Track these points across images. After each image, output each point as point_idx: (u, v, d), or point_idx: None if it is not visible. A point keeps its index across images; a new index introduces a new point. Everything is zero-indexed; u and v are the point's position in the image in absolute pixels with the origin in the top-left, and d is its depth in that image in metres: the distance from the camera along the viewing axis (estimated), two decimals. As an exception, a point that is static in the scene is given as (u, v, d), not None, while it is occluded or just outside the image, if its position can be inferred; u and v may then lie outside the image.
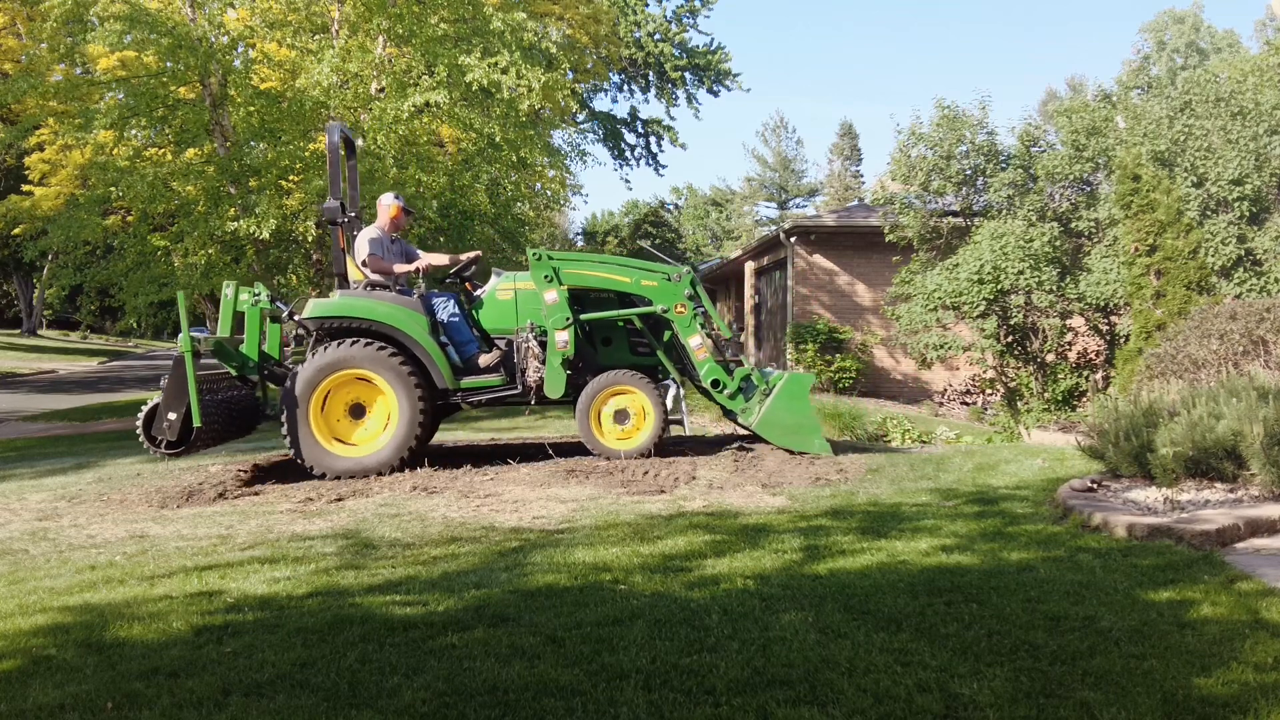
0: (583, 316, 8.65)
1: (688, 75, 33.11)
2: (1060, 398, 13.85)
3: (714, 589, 4.49)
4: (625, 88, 34.06)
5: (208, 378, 8.41)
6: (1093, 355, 14.53)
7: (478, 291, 8.90)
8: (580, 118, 32.00)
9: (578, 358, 8.64)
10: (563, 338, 8.47)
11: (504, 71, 15.60)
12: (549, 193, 26.66)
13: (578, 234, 52.86)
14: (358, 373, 8.13)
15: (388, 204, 8.88)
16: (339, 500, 7.33)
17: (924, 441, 11.39)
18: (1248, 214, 12.37)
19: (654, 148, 34.37)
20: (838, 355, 19.31)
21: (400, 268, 8.66)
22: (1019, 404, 14.35)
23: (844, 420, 12.17)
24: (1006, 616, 4.00)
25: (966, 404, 17.37)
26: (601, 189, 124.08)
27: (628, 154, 34.00)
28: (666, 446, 9.80)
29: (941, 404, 17.56)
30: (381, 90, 16.59)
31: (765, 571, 4.81)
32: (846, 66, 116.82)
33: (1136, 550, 5.09)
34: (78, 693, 3.36)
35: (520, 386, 8.53)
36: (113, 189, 16.07)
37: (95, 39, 15.90)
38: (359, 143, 16.66)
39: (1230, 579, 4.47)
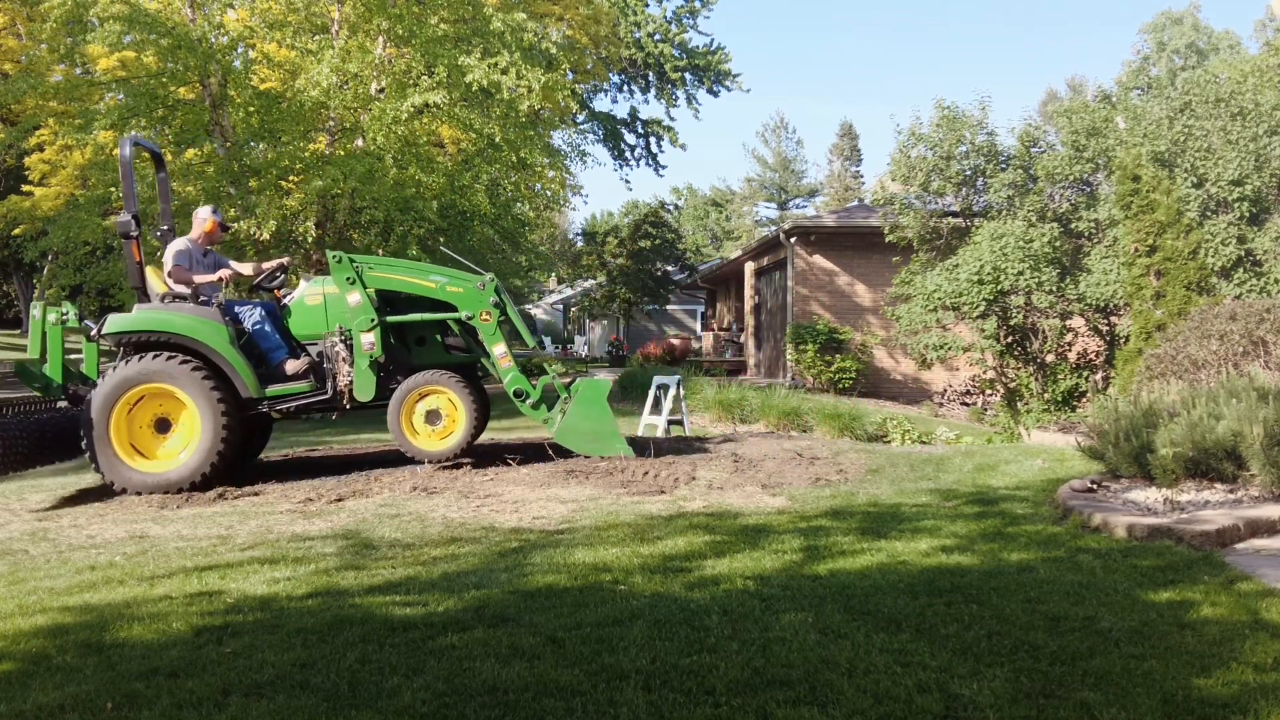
0: (389, 319, 8.50)
1: (688, 75, 33.11)
2: (1060, 398, 13.84)
3: (714, 589, 4.49)
4: (625, 88, 34.06)
5: (21, 399, 8.22)
6: (1093, 356, 14.53)
7: (286, 298, 8.77)
8: (580, 118, 31.99)
9: (389, 359, 8.51)
10: (368, 340, 8.33)
11: (504, 72, 15.60)
12: (549, 193, 26.65)
13: (578, 234, 52.87)
14: (158, 387, 7.94)
15: (203, 217, 8.77)
16: (339, 501, 7.33)
17: (924, 442, 11.39)
18: (1248, 214, 12.37)
19: (654, 148, 34.38)
20: (838, 355, 19.30)
21: (201, 278, 8.46)
22: (1019, 404, 14.34)
23: (844, 420, 12.16)
24: (1006, 617, 4.00)
25: (966, 404, 17.37)
26: (601, 189, 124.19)
27: (627, 154, 34.01)
28: (662, 447, 9.81)
29: (941, 404, 17.55)
30: (381, 90, 16.59)
31: (765, 572, 4.81)
32: (846, 66, 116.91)
33: (1136, 551, 5.09)
34: (78, 693, 3.36)
35: (330, 391, 8.39)
36: (113, 189, 16.05)
37: (95, 39, 15.88)
38: (358, 143, 16.69)
39: (1230, 579, 4.48)
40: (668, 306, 39.44)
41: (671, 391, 11.88)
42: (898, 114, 76.67)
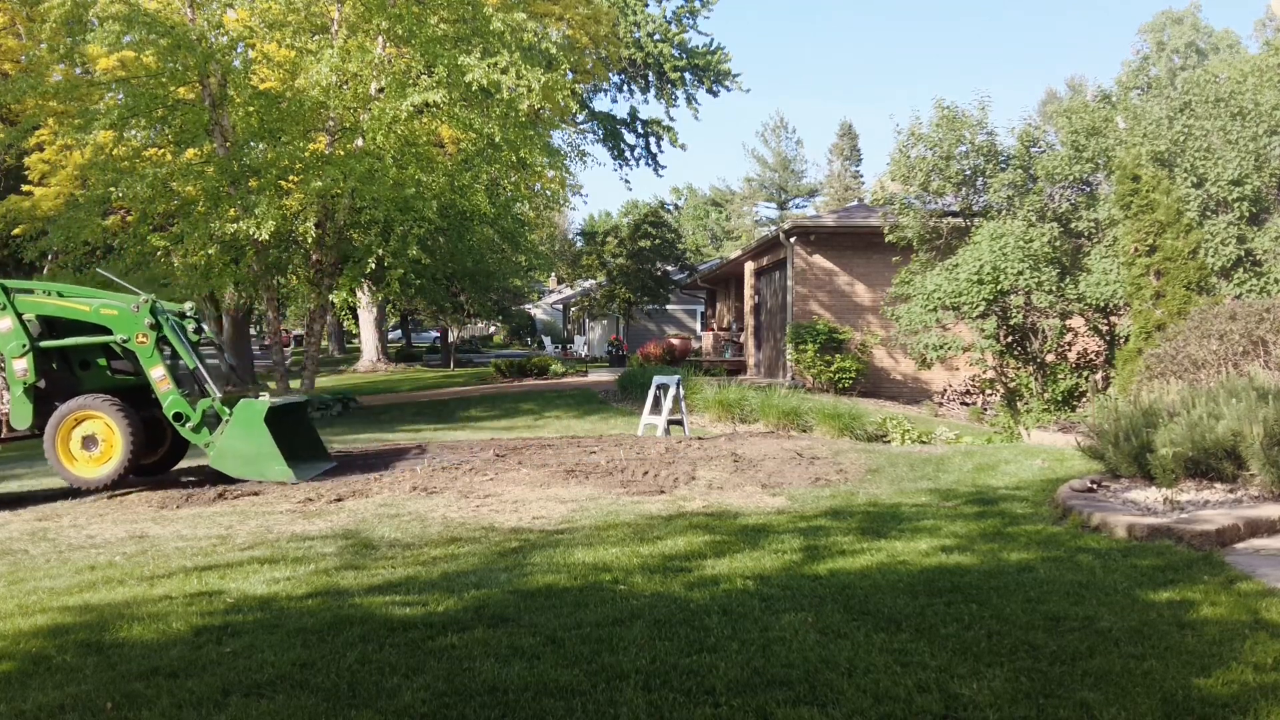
0: (45, 344, 8.30)
1: (687, 75, 33.08)
2: (1060, 398, 13.83)
3: (714, 589, 4.49)
4: (625, 88, 34.02)
5: None
6: (1093, 355, 14.52)
7: None
8: (580, 118, 31.97)
9: (50, 385, 8.32)
10: (20, 365, 8.12)
11: (504, 71, 15.58)
12: (549, 193, 26.63)
13: (577, 235, 52.88)
14: None
15: None
16: (339, 501, 7.33)
17: (924, 442, 11.38)
18: (1247, 214, 12.36)
19: (653, 148, 34.35)
20: (837, 355, 19.29)
21: None
22: (1019, 404, 14.33)
23: (844, 420, 12.16)
24: (1006, 617, 4.00)
25: (966, 404, 17.35)
26: (601, 189, 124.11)
27: (627, 154, 33.98)
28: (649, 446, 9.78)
29: (941, 404, 17.54)
30: (381, 90, 16.57)
31: (765, 572, 4.81)
32: (846, 66, 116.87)
33: (1136, 550, 5.09)
34: (78, 693, 3.36)
35: None
36: (113, 189, 16.04)
37: (95, 39, 15.86)
38: (358, 143, 16.68)
39: (1230, 579, 4.48)
40: (668, 306, 39.41)
41: (671, 391, 11.88)
42: (898, 114, 76.65)
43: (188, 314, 8.96)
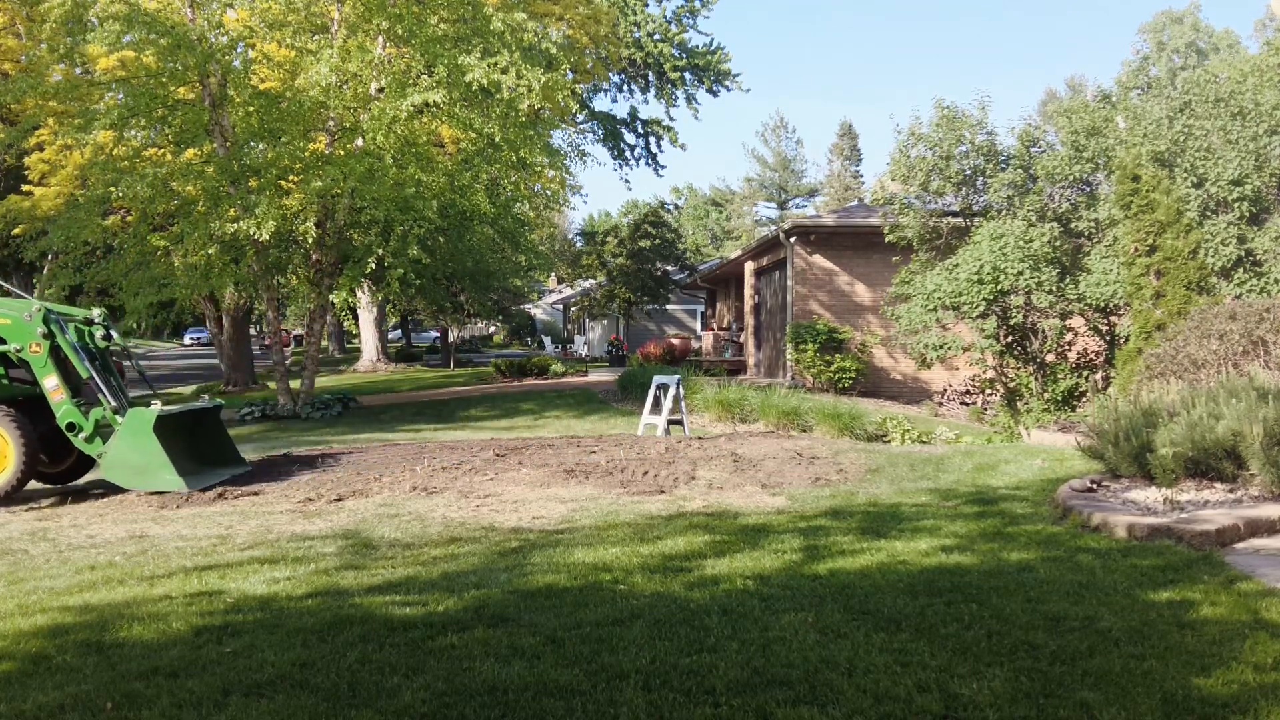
0: None
1: (687, 75, 33.08)
2: (1060, 398, 13.83)
3: (714, 589, 4.49)
4: (625, 88, 34.02)
5: None
6: (1093, 355, 14.52)
7: None
8: (580, 118, 31.97)
9: None
10: None
11: (504, 71, 15.57)
12: (548, 193, 26.62)
13: (577, 235, 52.92)
14: None
15: None
16: (339, 500, 7.33)
17: (924, 442, 11.39)
18: (1247, 214, 12.36)
19: (654, 148, 34.34)
20: (837, 355, 19.29)
21: None
22: (1019, 404, 14.33)
23: (844, 420, 12.16)
24: (1006, 616, 4.00)
25: (966, 404, 17.35)
26: (601, 189, 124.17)
27: (627, 154, 33.97)
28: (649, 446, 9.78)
29: (941, 404, 17.54)
30: (381, 90, 16.56)
31: (765, 572, 4.81)
32: (846, 66, 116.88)
33: (1136, 550, 5.09)
34: (78, 693, 3.36)
35: None
36: (113, 189, 16.03)
37: (95, 39, 15.87)
38: (358, 142, 16.68)
39: (1230, 579, 4.48)
40: (668, 306, 39.41)
41: (671, 391, 11.88)
42: (898, 114, 76.66)
43: (96, 320, 8.82)
